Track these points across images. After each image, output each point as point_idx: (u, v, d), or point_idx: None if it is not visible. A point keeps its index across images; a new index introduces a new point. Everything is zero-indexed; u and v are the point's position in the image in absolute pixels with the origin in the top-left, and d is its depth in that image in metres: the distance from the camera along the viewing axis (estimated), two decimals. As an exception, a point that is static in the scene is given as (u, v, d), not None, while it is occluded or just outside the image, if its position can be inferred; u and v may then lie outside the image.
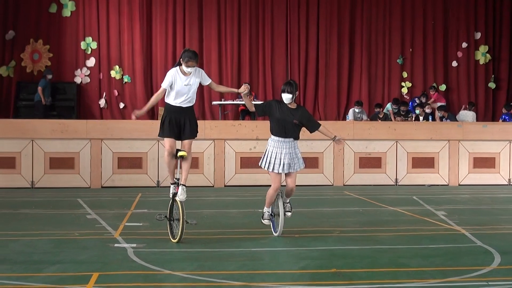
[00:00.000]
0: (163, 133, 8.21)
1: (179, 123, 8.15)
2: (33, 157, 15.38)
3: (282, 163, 8.40)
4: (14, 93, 18.87)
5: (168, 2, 19.61)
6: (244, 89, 8.42)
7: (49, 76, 18.02)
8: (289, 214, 8.68)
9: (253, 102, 9.03)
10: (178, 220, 8.07)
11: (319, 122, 8.84)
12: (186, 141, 8.23)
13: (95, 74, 19.43)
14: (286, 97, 8.42)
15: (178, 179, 8.27)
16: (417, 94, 20.35)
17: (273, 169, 8.44)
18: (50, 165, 15.45)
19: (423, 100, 18.77)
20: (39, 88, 17.57)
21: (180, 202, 8.06)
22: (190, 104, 8.22)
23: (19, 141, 15.38)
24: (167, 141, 8.20)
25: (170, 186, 8.36)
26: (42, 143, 15.43)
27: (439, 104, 18.70)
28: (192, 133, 8.25)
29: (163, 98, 8.26)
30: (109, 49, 19.45)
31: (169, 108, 8.18)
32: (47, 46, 19.18)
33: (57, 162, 15.46)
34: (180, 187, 8.12)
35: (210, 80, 8.40)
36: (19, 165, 15.35)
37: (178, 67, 8.18)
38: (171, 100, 8.17)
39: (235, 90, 8.95)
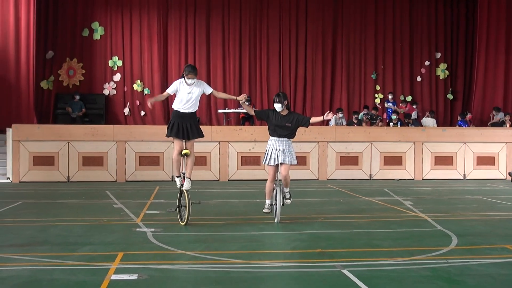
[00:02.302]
0: (170, 133, 8.29)
1: (184, 127, 8.20)
2: (68, 156, 15.36)
3: (275, 156, 8.44)
4: (53, 103, 18.87)
5: (181, 27, 19.64)
6: (242, 98, 8.41)
7: (77, 97, 18.11)
8: (288, 201, 8.62)
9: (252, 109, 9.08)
10: (185, 206, 8.12)
11: (306, 117, 8.87)
12: (189, 142, 8.30)
13: (121, 87, 19.43)
14: (277, 106, 8.48)
15: (184, 173, 8.32)
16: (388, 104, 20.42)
17: (268, 163, 8.50)
18: (83, 163, 15.42)
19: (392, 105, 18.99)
20: (68, 108, 18.09)
21: (186, 191, 8.13)
22: (193, 110, 8.26)
23: (57, 143, 15.35)
24: (176, 143, 8.30)
25: (176, 178, 8.43)
26: (76, 145, 15.40)
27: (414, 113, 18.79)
28: (194, 135, 8.27)
29: (169, 100, 8.41)
30: (132, 66, 19.46)
31: (176, 114, 8.26)
32: (80, 64, 19.17)
33: (89, 160, 15.43)
34: (186, 179, 8.20)
35: (212, 89, 8.43)
36: (57, 163, 15.33)
37: (183, 78, 8.23)
38: (177, 106, 8.25)
39: (234, 97, 8.91)
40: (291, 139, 8.57)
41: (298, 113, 8.89)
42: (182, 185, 8.25)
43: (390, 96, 19.33)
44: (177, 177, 8.40)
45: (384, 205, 10.77)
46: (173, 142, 8.53)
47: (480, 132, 16.91)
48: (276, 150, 8.44)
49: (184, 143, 8.28)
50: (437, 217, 9.21)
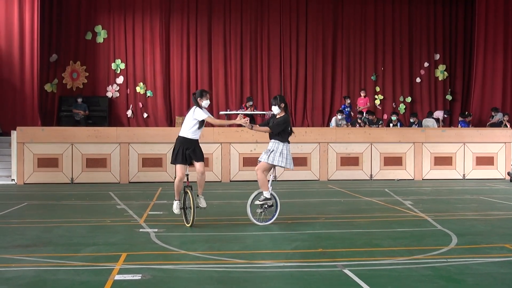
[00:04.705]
0: (175, 161, 8.13)
1: (188, 152, 8.10)
2: (72, 158, 15.38)
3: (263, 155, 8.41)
4: (57, 106, 18.89)
5: (183, 31, 19.65)
6: (245, 121, 8.22)
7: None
8: (257, 202, 8.40)
9: (260, 125, 8.76)
10: (190, 208, 8.09)
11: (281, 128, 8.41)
12: (198, 164, 8.16)
13: (123, 90, 19.45)
14: (274, 109, 8.45)
15: (190, 187, 8.17)
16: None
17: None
18: (87, 164, 15.44)
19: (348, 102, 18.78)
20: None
21: (191, 193, 8.08)
22: (197, 137, 8.23)
23: (61, 145, 15.37)
24: (179, 169, 8.12)
25: (174, 201, 8.25)
26: (80, 146, 15.42)
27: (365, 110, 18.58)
28: (200, 158, 8.17)
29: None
30: (134, 69, 19.48)
31: (182, 140, 8.16)
32: (84, 66, 19.19)
33: (92, 162, 15.45)
34: (199, 197, 8.17)
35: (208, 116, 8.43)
36: (61, 165, 15.35)
37: (196, 105, 8.15)
38: (185, 133, 8.15)
39: (233, 121, 8.68)
40: (279, 140, 8.25)
41: (284, 118, 8.34)
42: (186, 186, 8.21)
43: (348, 101, 18.94)
44: (176, 200, 8.26)
45: (385, 205, 10.76)
46: (175, 167, 8.28)
47: (479, 132, 16.90)
48: (268, 150, 8.36)
49: (186, 168, 8.17)
50: (437, 216, 9.19)
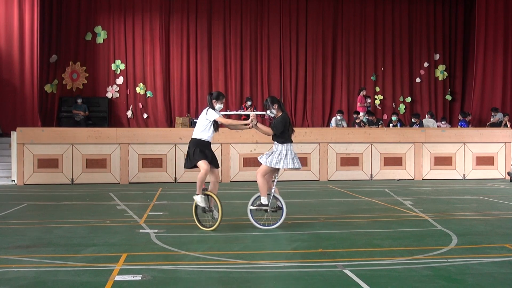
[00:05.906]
0: (194, 160, 7.95)
1: (210, 154, 8.10)
2: (72, 158, 15.37)
3: None
4: (57, 106, 18.91)
5: (183, 31, 19.66)
6: (251, 121, 8.09)
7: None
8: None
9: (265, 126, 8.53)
10: (217, 210, 7.98)
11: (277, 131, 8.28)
12: (216, 170, 8.22)
13: (123, 90, 19.46)
14: (268, 113, 8.33)
15: (206, 189, 8.12)
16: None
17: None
18: (87, 165, 15.44)
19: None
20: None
21: (214, 194, 7.99)
22: (210, 140, 8.22)
23: (61, 145, 15.37)
24: (204, 164, 7.92)
25: (198, 195, 7.97)
26: (80, 147, 15.42)
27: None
28: (218, 164, 8.22)
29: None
30: (134, 70, 19.49)
31: (199, 142, 8.08)
32: (84, 67, 19.21)
33: (92, 163, 15.45)
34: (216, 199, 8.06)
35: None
36: (61, 165, 15.35)
37: (209, 107, 8.15)
38: (204, 135, 8.11)
39: (240, 123, 8.48)
40: (278, 142, 8.15)
41: (283, 118, 8.21)
42: (205, 189, 8.07)
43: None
44: (198, 194, 8.03)
45: (385, 205, 10.75)
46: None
47: (479, 132, 16.90)
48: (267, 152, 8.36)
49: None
50: (437, 216, 9.19)
